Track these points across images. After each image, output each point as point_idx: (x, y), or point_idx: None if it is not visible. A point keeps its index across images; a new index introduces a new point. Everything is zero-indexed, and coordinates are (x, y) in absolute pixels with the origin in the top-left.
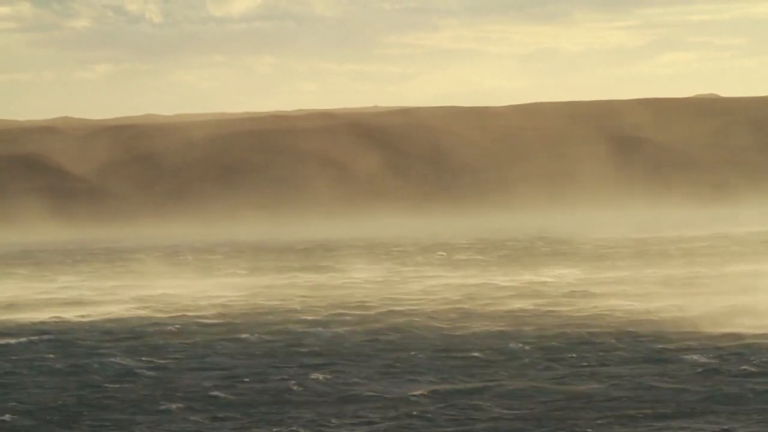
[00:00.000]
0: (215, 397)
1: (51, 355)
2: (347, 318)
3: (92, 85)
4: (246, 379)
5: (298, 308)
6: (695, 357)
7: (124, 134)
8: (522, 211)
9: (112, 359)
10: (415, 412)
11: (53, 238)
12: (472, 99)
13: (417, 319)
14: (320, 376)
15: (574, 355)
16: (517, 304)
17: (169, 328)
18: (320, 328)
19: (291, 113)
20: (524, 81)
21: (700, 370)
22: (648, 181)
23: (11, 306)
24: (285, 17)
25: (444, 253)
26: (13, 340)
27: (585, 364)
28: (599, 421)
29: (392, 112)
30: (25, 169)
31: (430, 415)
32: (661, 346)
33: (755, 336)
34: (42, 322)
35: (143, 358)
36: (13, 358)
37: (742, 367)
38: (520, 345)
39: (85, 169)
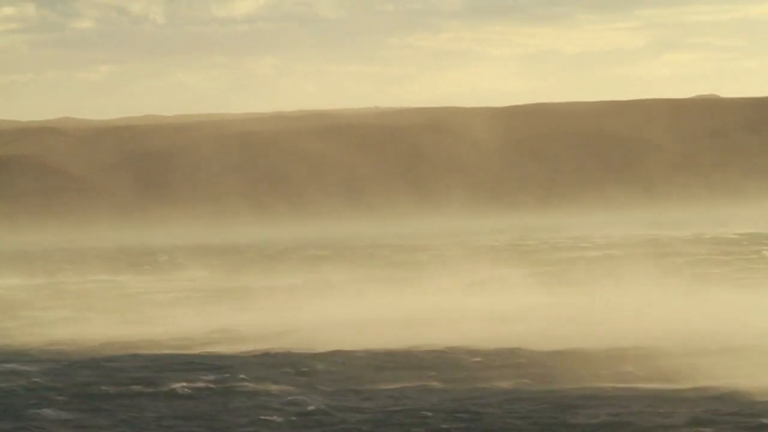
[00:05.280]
0: None
1: None
2: None
3: (95, 85)
4: None
5: None
6: None
7: (126, 135)
8: (520, 212)
9: None
10: None
11: (52, 239)
12: (473, 100)
13: None
14: None
15: None
16: None
17: None
18: None
19: (292, 114)
20: (525, 82)
21: None
22: (648, 182)
23: None
24: (287, 18)
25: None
26: None
27: None
28: None
29: (393, 113)
30: (26, 169)
31: None
32: None
33: None
34: None
35: None
36: None
37: None
38: None
39: (87, 170)
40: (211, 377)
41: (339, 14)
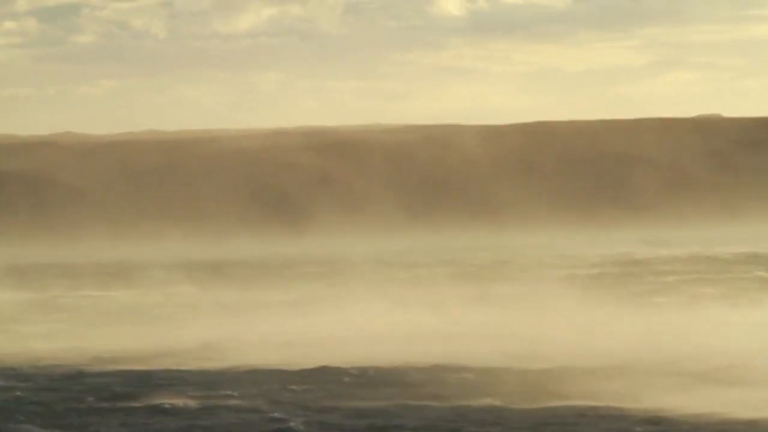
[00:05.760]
0: None
1: None
2: None
3: (95, 100)
4: None
5: None
6: None
7: (127, 150)
8: (518, 230)
9: None
10: None
11: (48, 254)
12: (475, 117)
13: None
14: None
15: None
16: None
17: None
18: None
19: (293, 130)
20: (527, 100)
21: None
22: (648, 201)
23: None
24: (290, 34)
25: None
26: None
27: None
28: None
29: (395, 129)
30: (25, 184)
31: None
32: None
33: None
34: None
35: None
36: None
37: None
38: None
39: (87, 185)
40: (197, 393)
41: (341, 30)
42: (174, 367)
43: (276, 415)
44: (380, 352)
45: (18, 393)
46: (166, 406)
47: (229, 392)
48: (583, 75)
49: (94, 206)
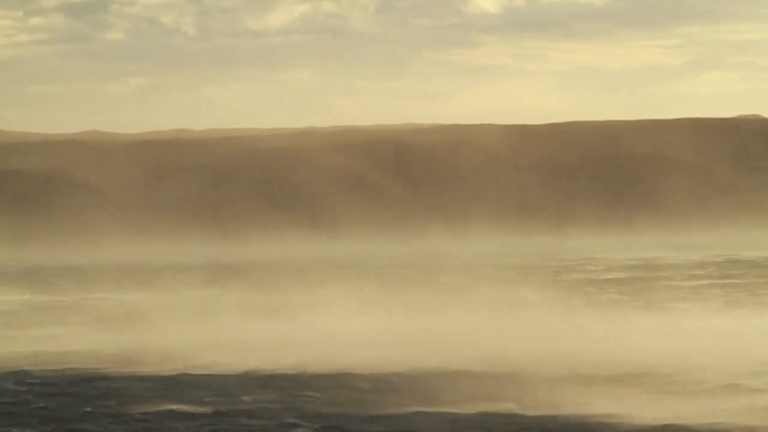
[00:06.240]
0: None
1: None
2: None
3: (123, 98)
4: None
5: None
6: None
7: (155, 149)
8: (552, 232)
9: None
10: None
11: (75, 255)
12: (510, 117)
13: None
14: None
15: None
16: None
17: None
18: None
19: (324, 130)
20: (563, 99)
21: None
22: (681, 204)
23: None
24: (322, 31)
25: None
26: None
27: None
28: None
29: (428, 129)
30: (53, 183)
31: None
32: None
33: None
34: None
35: None
36: None
37: None
38: None
39: (108, 186)
40: (212, 398)
41: (374, 28)
42: (189, 371)
43: (289, 420)
44: (400, 358)
45: (30, 397)
46: (180, 410)
47: (243, 397)
48: (620, 74)
49: (115, 207)
